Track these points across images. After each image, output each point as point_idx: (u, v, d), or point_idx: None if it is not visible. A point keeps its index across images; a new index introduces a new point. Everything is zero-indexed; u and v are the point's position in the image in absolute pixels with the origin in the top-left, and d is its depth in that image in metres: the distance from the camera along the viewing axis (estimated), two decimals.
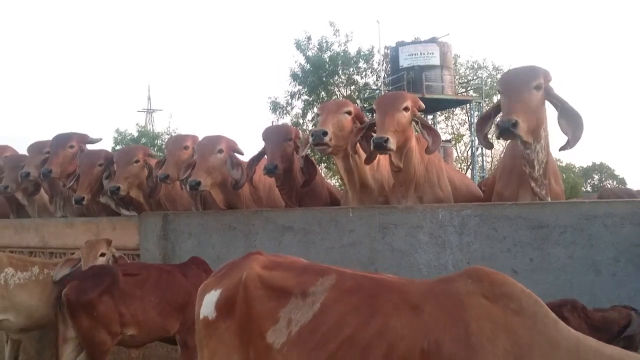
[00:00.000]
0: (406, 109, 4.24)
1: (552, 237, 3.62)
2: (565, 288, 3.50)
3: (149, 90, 53.67)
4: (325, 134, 4.29)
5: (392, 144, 4.02)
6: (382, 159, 4.85)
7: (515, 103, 3.71)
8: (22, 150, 6.62)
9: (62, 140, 6.02)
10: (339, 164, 4.74)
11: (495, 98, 25.56)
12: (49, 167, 5.73)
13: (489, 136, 4.23)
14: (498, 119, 3.81)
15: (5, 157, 6.64)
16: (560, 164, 36.36)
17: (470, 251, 3.87)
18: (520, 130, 3.60)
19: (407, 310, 2.23)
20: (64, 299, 4.00)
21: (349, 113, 4.56)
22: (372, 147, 4.12)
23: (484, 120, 4.21)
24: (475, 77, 31.20)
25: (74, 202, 5.58)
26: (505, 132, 3.61)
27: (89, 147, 6.25)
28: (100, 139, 6.43)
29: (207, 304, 2.72)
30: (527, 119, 3.66)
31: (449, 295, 2.19)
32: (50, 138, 6.15)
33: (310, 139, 4.41)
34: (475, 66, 32.37)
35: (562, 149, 3.83)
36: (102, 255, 4.58)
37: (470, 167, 28.20)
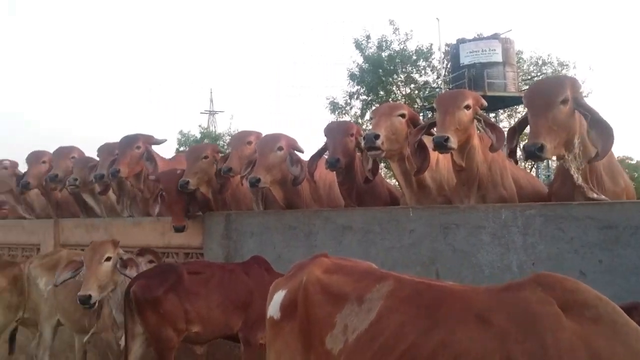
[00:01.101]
0: (467, 107, 4.17)
1: (622, 238, 3.48)
2: (636, 291, 3.36)
3: (211, 93, 54.70)
4: (377, 137, 4.26)
5: (453, 143, 3.96)
6: (441, 158, 4.79)
7: (541, 124, 3.61)
8: (92, 150, 6.88)
9: (130, 141, 6.21)
10: (394, 167, 4.70)
11: None
12: (117, 167, 5.92)
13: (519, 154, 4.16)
14: (524, 140, 3.74)
15: (74, 158, 6.93)
16: (631, 162, 34.91)
17: (535, 252, 3.76)
18: (547, 154, 3.56)
19: (473, 322, 2.09)
20: (132, 296, 4.13)
21: (403, 116, 4.51)
22: (432, 146, 4.07)
23: (511, 134, 4.15)
24: (539, 74, 30.34)
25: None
26: (532, 155, 3.56)
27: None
28: (165, 140, 6.61)
29: (274, 304, 2.76)
30: (555, 138, 3.59)
31: (519, 305, 2.05)
32: (119, 140, 6.36)
33: (363, 143, 4.40)
34: (540, 62, 31.41)
35: (591, 161, 3.72)
36: (108, 259, 4.28)
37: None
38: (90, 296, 4.07)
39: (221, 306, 4.18)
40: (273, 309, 2.76)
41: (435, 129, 4.27)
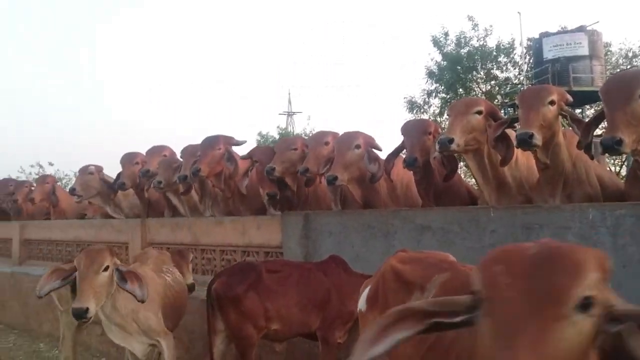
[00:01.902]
0: (552, 102, 4.03)
1: None
2: None
3: (289, 94, 55.46)
4: (451, 141, 4.18)
5: (538, 140, 3.84)
6: (521, 156, 4.64)
7: (619, 117, 3.47)
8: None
9: (211, 142, 6.39)
10: (471, 164, 4.60)
11: None
12: (198, 167, 6.11)
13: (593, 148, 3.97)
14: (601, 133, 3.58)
15: (160, 159, 7.22)
16: None
17: (627, 254, 3.57)
18: (625, 148, 3.43)
19: None
20: (213, 294, 4.24)
21: (480, 113, 4.40)
22: (515, 144, 3.95)
23: (587, 129, 3.96)
24: (629, 66, 28.82)
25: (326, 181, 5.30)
26: (610, 149, 3.44)
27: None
28: (245, 142, 6.79)
29: (362, 298, 2.90)
30: (633, 132, 3.45)
31: None
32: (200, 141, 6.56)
33: (437, 147, 4.33)
34: (630, 54, 29.86)
35: None
36: (106, 269, 3.89)
37: (626, 162, 26.11)
38: (87, 309, 3.69)
39: (299, 304, 4.22)
40: (361, 302, 2.90)
41: (517, 124, 4.15)
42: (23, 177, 20.95)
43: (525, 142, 3.84)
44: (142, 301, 3.96)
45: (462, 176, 6.54)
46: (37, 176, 22.71)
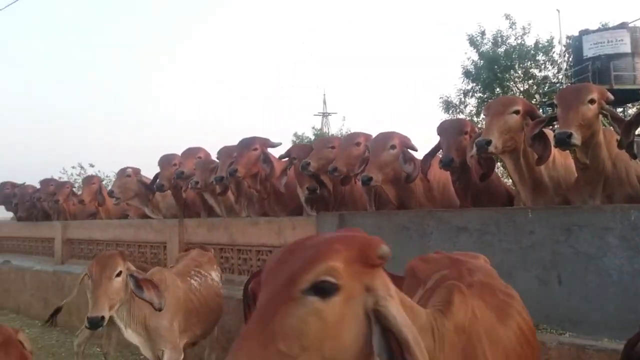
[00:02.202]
0: (592, 101, 3.94)
1: None
2: None
3: (324, 95, 55.46)
4: (488, 143, 4.13)
5: (577, 139, 3.77)
6: (558, 156, 4.56)
7: None
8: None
9: (247, 143, 6.45)
10: (508, 164, 4.54)
11: None
12: (235, 167, 6.17)
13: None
14: None
15: (197, 161, 7.31)
16: None
17: None
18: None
19: None
20: (250, 293, 4.27)
21: (517, 112, 4.33)
22: (554, 143, 3.89)
23: (628, 128, 3.86)
24: None
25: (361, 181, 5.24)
26: None
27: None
28: (280, 144, 6.82)
29: None
30: None
31: None
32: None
33: (474, 149, 4.28)
34: None
35: None
36: (119, 275, 3.85)
37: None
38: (102, 318, 3.65)
39: None
40: None
41: (555, 123, 4.08)
42: (65, 178, 21.41)
43: (564, 142, 3.78)
44: (160, 309, 3.92)
45: (500, 176, 6.43)
46: (78, 177, 23.23)
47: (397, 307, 1.50)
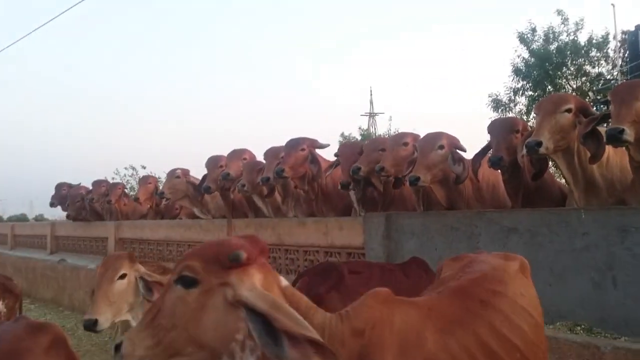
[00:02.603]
0: None
1: None
2: None
3: (371, 94, 55.06)
4: (539, 144, 4.03)
5: (629, 136, 3.63)
6: (612, 155, 4.41)
7: None
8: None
9: (295, 144, 6.48)
10: (560, 162, 4.41)
11: None
12: (282, 167, 6.21)
13: None
14: None
15: (244, 162, 7.39)
16: None
17: None
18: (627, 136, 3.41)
19: None
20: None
21: (569, 110, 4.22)
22: (605, 139, 3.76)
23: None
24: None
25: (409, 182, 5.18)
26: None
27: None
28: (328, 145, 6.82)
29: None
30: None
31: None
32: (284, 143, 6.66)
33: (524, 151, 4.18)
34: None
35: None
36: (122, 277, 3.57)
37: None
38: (96, 321, 3.37)
39: None
40: None
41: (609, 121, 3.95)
42: (118, 179, 21.97)
43: (615, 138, 3.66)
44: None
45: (553, 175, 6.24)
46: (130, 178, 23.80)
47: (255, 295, 1.76)
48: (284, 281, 2.02)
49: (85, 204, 11.14)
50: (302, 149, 6.42)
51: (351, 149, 6.21)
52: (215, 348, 1.78)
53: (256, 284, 1.82)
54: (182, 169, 8.60)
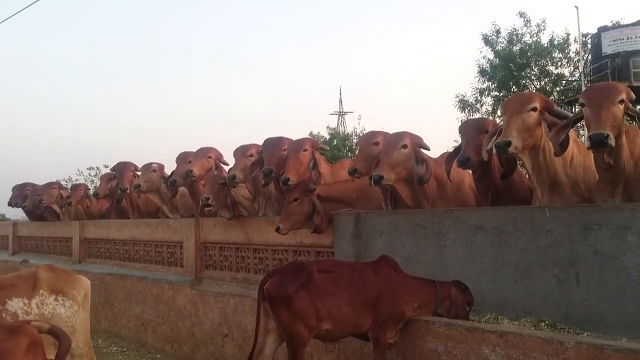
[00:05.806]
0: (622, 101, 3.87)
1: None
2: None
3: (340, 93, 55.23)
4: (508, 144, 4.09)
5: (612, 140, 3.68)
6: (576, 154, 4.50)
7: None
8: None
9: (276, 143, 6.38)
10: (525, 160, 4.45)
11: None
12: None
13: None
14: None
15: (210, 158, 7.44)
16: None
17: None
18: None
19: None
20: (265, 293, 4.28)
21: (535, 109, 4.28)
22: (589, 145, 3.79)
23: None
24: None
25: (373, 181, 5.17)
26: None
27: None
28: (327, 149, 6.75)
29: None
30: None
31: None
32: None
33: (494, 150, 4.24)
34: None
35: None
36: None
37: None
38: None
39: (351, 304, 4.21)
40: None
41: (583, 123, 4.02)
42: (81, 179, 21.63)
43: (602, 144, 3.67)
44: None
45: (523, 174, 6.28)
46: (95, 178, 23.45)
47: None
48: None
49: (41, 205, 11.01)
50: (284, 149, 6.31)
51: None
52: None
53: None
54: (159, 164, 8.50)
